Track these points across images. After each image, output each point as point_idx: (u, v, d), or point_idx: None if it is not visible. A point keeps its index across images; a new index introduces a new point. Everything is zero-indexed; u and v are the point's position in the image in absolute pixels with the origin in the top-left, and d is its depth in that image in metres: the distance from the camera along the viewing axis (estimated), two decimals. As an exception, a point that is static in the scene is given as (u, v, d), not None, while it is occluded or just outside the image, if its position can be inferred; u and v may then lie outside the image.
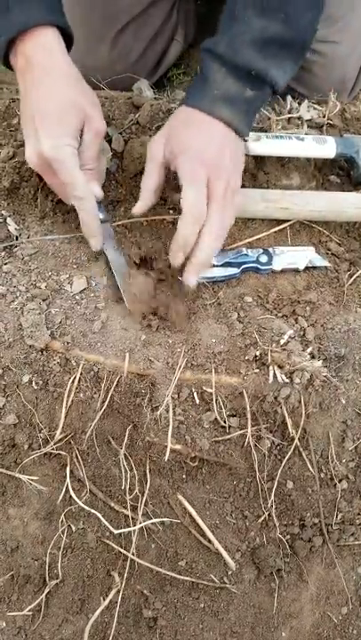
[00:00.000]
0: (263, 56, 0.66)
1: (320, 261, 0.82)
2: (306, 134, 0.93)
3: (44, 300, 0.73)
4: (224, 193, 0.68)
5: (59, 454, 0.70)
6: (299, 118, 0.99)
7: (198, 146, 0.67)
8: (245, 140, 0.75)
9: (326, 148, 0.88)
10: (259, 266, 0.80)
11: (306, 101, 0.98)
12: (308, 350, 0.73)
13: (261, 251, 0.80)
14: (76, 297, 0.75)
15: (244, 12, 0.65)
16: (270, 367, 0.73)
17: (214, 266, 0.78)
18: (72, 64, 0.69)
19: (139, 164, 0.86)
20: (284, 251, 0.81)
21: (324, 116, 1.02)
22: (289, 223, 0.87)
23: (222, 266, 0.79)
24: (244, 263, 0.80)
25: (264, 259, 0.80)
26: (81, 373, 0.72)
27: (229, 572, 0.78)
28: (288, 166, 0.92)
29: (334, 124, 1.00)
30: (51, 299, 0.74)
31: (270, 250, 0.81)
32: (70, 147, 0.67)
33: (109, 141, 0.88)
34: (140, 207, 0.73)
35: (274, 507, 0.76)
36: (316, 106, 1.02)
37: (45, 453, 0.71)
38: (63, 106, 0.67)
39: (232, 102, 0.67)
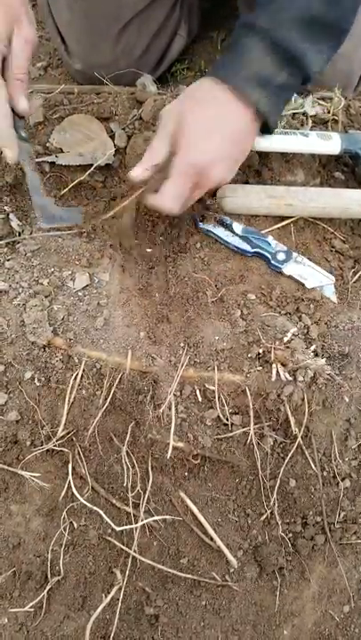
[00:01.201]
0: (303, 37, 0.64)
1: (330, 293, 0.79)
2: (310, 130, 0.92)
3: (46, 297, 0.73)
4: (196, 196, 0.70)
5: (61, 451, 0.70)
6: (303, 114, 0.98)
7: (204, 147, 0.65)
8: (270, 132, 0.73)
9: (331, 144, 0.87)
10: (271, 259, 0.79)
11: (310, 97, 0.97)
12: (312, 348, 0.72)
13: (285, 249, 0.79)
14: (79, 293, 0.74)
15: None
16: (273, 365, 0.73)
17: (235, 234, 0.79)
18: None
19: (141, 160, 0.86)
20: (305, 263, 0.79)
21: (328, 112, 1.01)
22: (292, 220, 0.86)
23: (241, 237, 0.79)
24: (261, 249, 0.79)
25: (281, 257, 0.79)
26: (83, 370, 0.71)
27: (231, 570, 0.77)
28: (292, 162, 0.91)
29: (339, 120, 1.00)
30: (53, 295, 0.73)
31: (293, 254, 0.79)
32: None
33: (112, 137, 0.87)
34: (137, 173, 0.69)
35: (276, 505, 0.76)
36: (320, 101, 1.01)
37: (47, 450, 0.71)
38: None
39: (265, 85, 0.64)
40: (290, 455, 0.74)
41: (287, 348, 0.73)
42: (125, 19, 0.99)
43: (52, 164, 0.83)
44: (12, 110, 0.69)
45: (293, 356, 0.71)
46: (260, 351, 0.73)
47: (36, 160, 0.81)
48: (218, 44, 1.29)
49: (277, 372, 0.72)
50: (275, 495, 0.75)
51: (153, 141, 0.70)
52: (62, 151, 0.84)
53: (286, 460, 0.75)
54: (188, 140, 0.66)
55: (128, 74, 1.02)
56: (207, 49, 1.29)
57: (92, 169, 0.81)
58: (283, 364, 0.73)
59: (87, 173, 0.82)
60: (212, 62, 1.26)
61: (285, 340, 0.73)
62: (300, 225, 0.87)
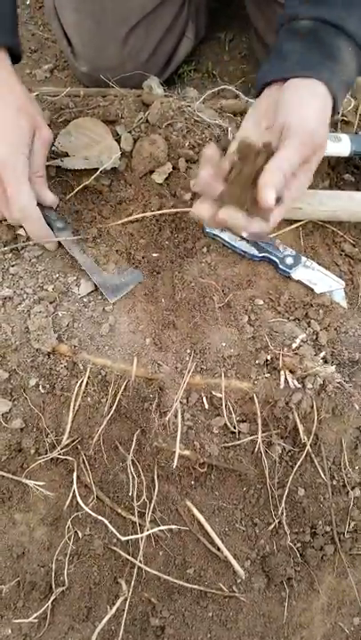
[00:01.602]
0: None
1: (340, 298, 0.78)
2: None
3: (51, 303, 0.72)
4: (315, 167, 0.67)
5: (65, 460, 0.69)
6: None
7: (314, 126, 0.60)
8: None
9: (341, 145, 0.86)
10: (280, 264, 0.77)
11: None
12: (321, 355, 0.71)
13: (293, 253, 0.78)
14: (84, 300, 0.74)
15: None
16: (282, 372, 0.71)
17: (242, 238, 0.78)
18: (18, 79, 0.70)
19: (148, 164, 0.85)
20: (314, 267, 0.78)
21: (338, 113, 0.99)
22: (301, 223, 0.84)
23: (249, 241, 0.78)
24: (268, 253, 0.78)
25: (289, 261, 0.77)
26: (88, 377, 0.70)
27: (238, 581, 0.76)
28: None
29: (349, 121, 0.98)
30: (58, 301, 0.72)
31: (302, 258, 0.78)
32: (24, 155, 0.67)
33: (118, 140, 0.86)
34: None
35: (285, 514, 0.74)
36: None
37: (52, 458, 0.70)
38: (17, 113, 0.67)
39: (347, 89, 0.64)
40: (298, 463, 0.73)
41: (296, 354, 0.71)
42: (133, 22, 0.98)
43: (58, 167, 0.82)
44: (41, 205, 0.72)
45: (302, 363, 0.69)
46: (268, 358, 0.72)
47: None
48: (225, 45, 1.28)
49: (286, 379, 0.71)
50: (283, 504, 0.74)
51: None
52: (68, 155, 0.83)
53: (295, 469, 0.73)
54: (302, 120, 0.61)
55: (135, 76, 1.01)
56: (214, 50, 1.28)
57: (97, 173, 0.80)
58: (291, 371, 0.71)
59: (93, 177, 0.80)
60: (220, 64, 1.25)
61: (294, 346, 0.72)
62: (309, 228, 0.85)
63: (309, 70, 0.61)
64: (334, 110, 0.63)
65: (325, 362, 0.71)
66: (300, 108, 0.60)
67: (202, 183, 0.60)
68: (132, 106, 0.90)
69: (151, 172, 0.86)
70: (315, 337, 0.73)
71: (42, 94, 0.99)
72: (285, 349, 0.72)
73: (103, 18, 0.99)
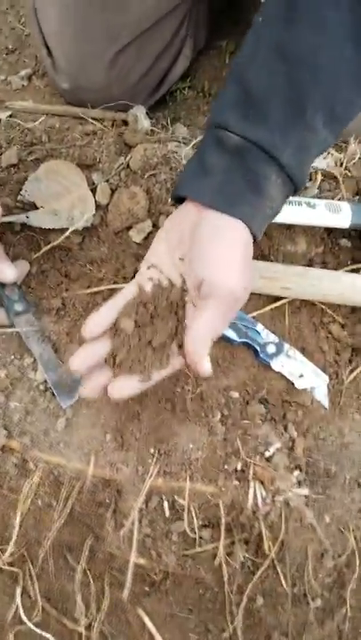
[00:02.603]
0: (309, 166, 0.56)
1: (322, 396, 0.72)
2: (319, 196, 0.82)
3: (2, 392, 0.64)
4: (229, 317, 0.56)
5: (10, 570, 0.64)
6: (312, 167, 0.87)
7: (236, 283, 0.51)
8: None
9: (340, 217, 0.78)
10: (260, 352, 0.71)
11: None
12: (295, 475, 0.65)
13: (276, 340, 0.71)
14: (40, 387, 0.66)
15: (314, 116, 0.52)
16: (251, 483, 0.66)
17: None
18: None
19: (125, 220, 0.76)
20: (297, 358, 0.71)
21: (341, 164, 0.91)
22: (288, 299, 0.77)
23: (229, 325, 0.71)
24: (249, 339, 0.71)
25: (271, 349, 0.71)
26: (40, 477, 0.64)
27: None
28: (294, 229, 0.81)
29: (353, 176, 0.89)
30: (10, 389, 0.65)
31: (285, 346, 0.71)
32: None
33: (93, 190, 0.76)
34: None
35: (240, 622, 0.71)
36: (333, 152, 0.91)
37: (-5, 563, 0.64)
38: None
39: (271, 217, 0.55)
40: (260, 571, 0.69)
41: (268, 465, 0.66)
42: (125, 40, 0.85)
43: (24, 224, 0.73)
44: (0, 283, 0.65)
45: (274, 484, 0.64)
46: (239, 466, 0.66)
47: (5, 219, 0.71)
48: (226, 57, 1.15)
49: (255, 491, 0.66)
50: (240, 612, 0.70)
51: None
52: (36, 206, 0.74)
53: (256, 576, 0.69)
54: (220, 280, 0.52)
55: (121, 97, 0.90)
56: (213, 62, 1.14)
57: (67, 233, 0.71)
58: (261, 482, 0.66)
59: (62, 238, 0.71)
60: (217, 81, 1.13)
61: (268, 454, 0.67)
62: (296, 304, 0.78)
63: (230, 207, 0.51)
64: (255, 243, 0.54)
65: (299, 484, 0.65)
66: (220, 264, 0.50)
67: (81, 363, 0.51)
68: (113, 147, 0.80)
69: (128, 228, 0.77)
70: (291, 444, 0.68)
71: (15, 112, 0.88)
72: (258, 458, 0.66)
73: (90, 32, 0.86)
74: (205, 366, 0.50)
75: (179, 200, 0.56)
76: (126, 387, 0.51)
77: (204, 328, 0.50)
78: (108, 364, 0.52)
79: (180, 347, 0.52)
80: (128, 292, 0.55)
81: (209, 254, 0.51)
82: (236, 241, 0.51)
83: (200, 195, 0.53)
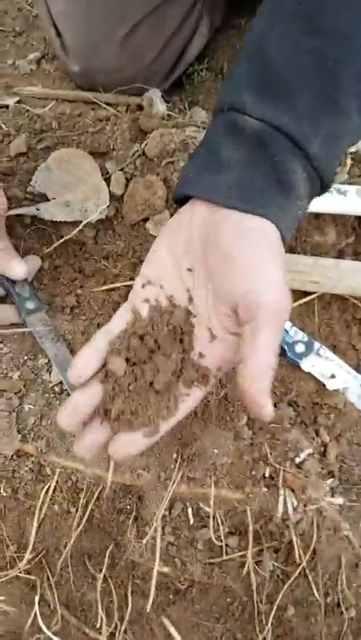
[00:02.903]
0: (338, 161, 0.47)
1: (356, 397, 0.67)
2: (348, 180, 0.76)
3: (15, 394, 0.61)
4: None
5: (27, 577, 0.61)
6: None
7: (282, 294, 0.42)
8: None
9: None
10: (288, 351, 0.66)
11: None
12: (329, 482, 0.61)
13: (305, 339, 0.66)
14: (55, 389, 0.63)
15: (348, 101, 0.44)
16: (281, 490, 0.62)
17: None
18: None
19: (142, 211, 0.72)
20: (328, 357, 0.67)
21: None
22: (317, 294, 0.72)
23: None
24: None
25: (300, 348, 0.66)
26: (57, 483, 0.61)
27: None
28: (323, 218, 0.76)
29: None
30: (24, 391, 0.62)
31: (315, 344, 0.67)
32: None
33: (107, 180, 0.72)
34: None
35: (270, 632, 0.67)
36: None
37: (13, 572, 0.62)
38: None
39: (298, 220, 0.46)
40: (291, 580, 0.65)
41: (299, 471, 0.62)
42: (135, 18, 0.80)
43: (34, 216, 0.69)
44: (10, 280, 0.61)
45: (306, 492, 0.60)
46: (267, 472, 0.62)
47: (15, 212, 0.67)
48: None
49: (285, 499, 0.62)
50: (270, 622, 0.67)
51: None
52: (47, 197, 0.70)
53: (287, 585, 0.65)
54: (268, 295, 0.43)
55: (135, 80, 0.85)
56: (231, 42, 1.08)
57: (80, 226, 0.67)
58: (292, 490, 0.62)
59: (75, 231, 0.67)
60: (236, 61, 1.07)
61: (298, 460, 0.62)
62: (326, 300, 0.73)
63: (256, 207, 0.42)
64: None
65: (333, 494, 0.61)
66: (263, 275, 0.40)
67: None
68: (127, 134, 0.75)
69: (145, 220, 0.73)
70: (322, 449, 0.63)
71: (23, 98, 0.84)
72: (288, 464, 0.62)
73: (100, 9, 0.81)
74: (270, 408, 0.38)
75: (182, 200, 0.47)
76: (130, 444, 0.42)
77: (263, 358, 0.38)
78: (102, 416, 0.42)
79: (191, 383, 0.43)
80: (121, 318, 0.45)
81: (246, 264, 0.41)
82: (272, 245, 0.42)
83: (215, 193, 0.43)
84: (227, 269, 0.42)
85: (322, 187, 0.46)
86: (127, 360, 0.42)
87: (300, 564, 0.63)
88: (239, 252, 0.41)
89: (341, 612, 0.68)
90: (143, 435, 0.42)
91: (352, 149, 0.82)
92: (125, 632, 0.63)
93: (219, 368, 0.45)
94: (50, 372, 0.63)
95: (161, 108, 0.80)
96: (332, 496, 0.61)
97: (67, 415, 0.42)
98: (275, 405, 0.66)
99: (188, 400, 0.44)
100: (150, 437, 0.43)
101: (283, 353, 0.68)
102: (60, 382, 0.63)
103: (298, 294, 0.72)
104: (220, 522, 0.63)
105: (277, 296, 0.40)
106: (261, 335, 0.39)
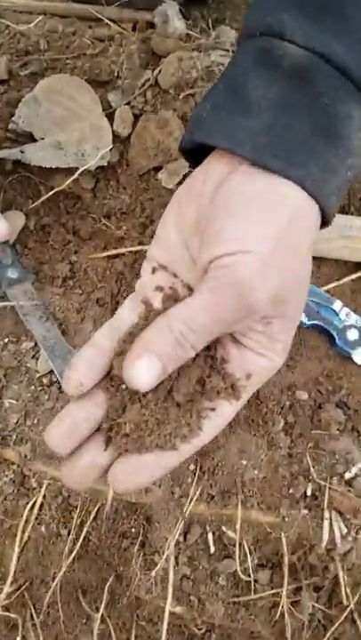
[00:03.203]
0: None
1: None
2: None
3: (-9, 387, 0.49)
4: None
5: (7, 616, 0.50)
6: None
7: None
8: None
9: None
10: (337, 338, 0.53)
11: None
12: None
13: (359, 324, 0.53)
14: (43, 380, 0.50)
15: None
16: (326, 512, 0.49)
17: None
18: None
19: (153, 157, 0.58)
20: None
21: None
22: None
23: None
24: (322, 320, 0.53)
25: (353, 335, 0.52)
26: (44, 497, 0.49)
27: None
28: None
29: None
30: (5, 382, 0.49)
31: None
32: None
33: (110, 115, 0.57)
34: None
35: None
36: None
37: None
38: None
39: (347, 186, 0.36)
40: (336, 626, 0.53)
41: (349, 489, 0.49)
42: None
43: (17, 161, 0.55)
44: None
45: (357, 516, 0.47)
46: (309, 490, 0.49)
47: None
48: None
49: (331, 524, 0.49)
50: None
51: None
52: (33, 137, 0.55)
53: (330, 632, 0.53)
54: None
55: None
56: None
57: (75, 175, 0.53)
58: (340, 512, 0.49)
59: (68, 181, 0.53)
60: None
61: (348, 476, 0.50)
62: (384, 272, 0.58)
63: (289, 164, 0.31)
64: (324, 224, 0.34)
65: None
66: (241, 239, 0.30)
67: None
68: (136, 58, 0.60)
69: (157, 169, 0.58)
70: (380, 463, 0.50)
71: (2, 11, 0.68)
72: (335, 480, 0.49)
73: None
74: (140, 371, 0.31)
75: (195, 154, 0.36)
76: (139, 470, 0.33)
77: (181, 312, 0.32)
78: (105, 434, 0.33)
79: (217, 394, 0.34)
80: (130, 310, 0.36)
81: (236, 226, 0.31)
82: (297, 225, 0.32)
83: (237, 142, 0.32)
84: (216, 234, 0.32)
85: None
86: None
87: (347, 606, 0.51)
88: (237, 219, 0.31)
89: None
90: (157, 458, 0.33)
91: None
92: None
93: (248, 375, 0.36)
94: (36, 359, 0.51)
95: (179, 25, 0.64)
96: None
97: (60, 433, 0.33)
98: (320, 407, 0.52)
99: (214, 417, 0.34)
100: (166, 462, 0.34)
101: (331, 340, 0.54)
102: (50, 372, 0.50)
103: (351, 266, 0.57)
104: (247, 551, 0.51)
105: (241, 273, 0.31)
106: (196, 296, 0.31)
